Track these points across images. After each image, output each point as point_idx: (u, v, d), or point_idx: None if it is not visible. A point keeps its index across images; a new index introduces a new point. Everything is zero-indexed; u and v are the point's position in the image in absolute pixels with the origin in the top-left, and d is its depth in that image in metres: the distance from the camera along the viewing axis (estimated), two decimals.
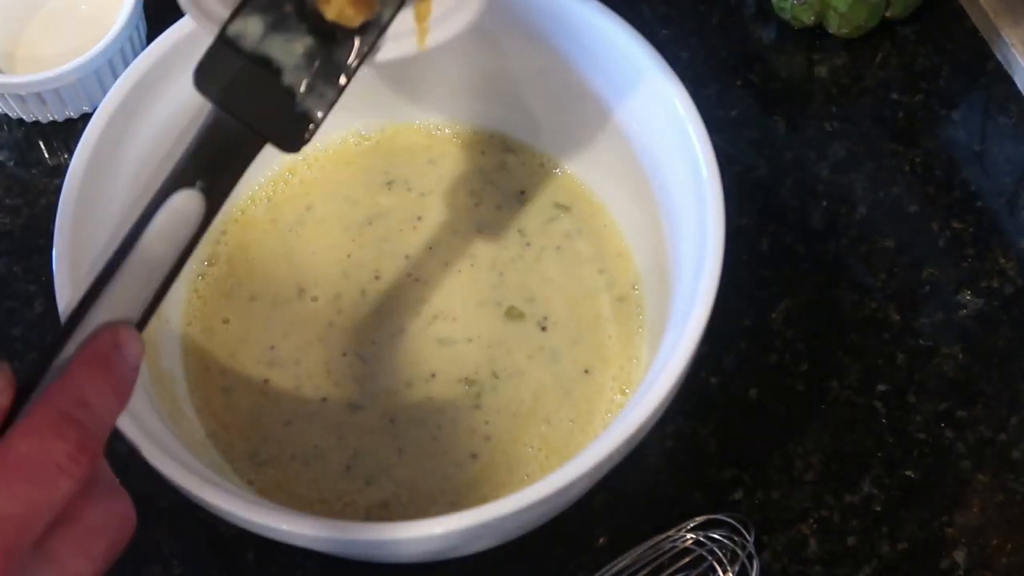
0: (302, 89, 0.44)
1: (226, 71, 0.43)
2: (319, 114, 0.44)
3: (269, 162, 0.64)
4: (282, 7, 0.43)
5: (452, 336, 0.60)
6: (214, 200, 0.41)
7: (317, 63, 0.44)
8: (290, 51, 0.43)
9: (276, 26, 0.43)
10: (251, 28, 0.43)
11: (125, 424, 0.48)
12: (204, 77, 0.43)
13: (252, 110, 0.42)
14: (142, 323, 0.41)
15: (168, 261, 0.41)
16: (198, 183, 0.41)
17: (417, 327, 0.60)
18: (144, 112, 0.57)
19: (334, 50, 0.44)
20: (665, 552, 0.56)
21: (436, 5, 0.48)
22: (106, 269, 0.40)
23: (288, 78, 0.43)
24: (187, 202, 0.40)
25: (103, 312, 0.40)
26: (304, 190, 0.64)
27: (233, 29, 0.43)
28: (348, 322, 0.60)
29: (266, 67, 0.43)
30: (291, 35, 0.43)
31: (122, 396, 0.41)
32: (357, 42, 0.45)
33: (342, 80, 0.44)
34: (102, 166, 0.55)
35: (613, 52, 0.57)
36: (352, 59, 0.45)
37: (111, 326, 0.40)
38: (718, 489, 0.59)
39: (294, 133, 0.44)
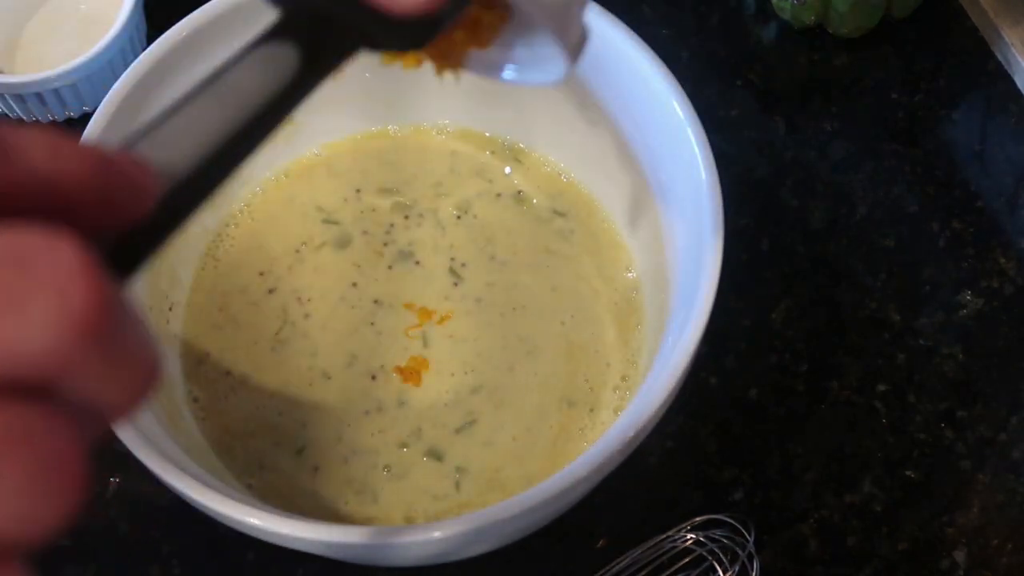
0: None
1: None
2: None
3: (264, 162, 0.64)
4: None
5: (452, 352, 0.60)
6: (309, 69, 0.30)
7: None
8: None
9: None
10: None
11: (123, 428, 0.48)
12: None
13: None
14: (191, 178, 0.29)
15: (246, 111, 0.29)
16: (294, 42, 0.31)
17: (417, 339, 0.60)
18: (144, 112, 0.57)
19: None
20: (665, 552, 0.56)
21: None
22: (175, 103, 0.29)
23: None
24: (282, 54, 0.30)
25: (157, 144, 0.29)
26: (304, 191, 0.64)
27: None
28: (344, 327, 0.60)
29: None
30: None
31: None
32: None
33: None
34: None
35: (611, 54, 0.57)
36: None
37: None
38: (718, 489, 0.59)
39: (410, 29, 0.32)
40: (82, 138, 0.54)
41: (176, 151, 0.28)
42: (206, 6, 0.57)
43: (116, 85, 0.56)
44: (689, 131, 0.54)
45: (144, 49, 0.57)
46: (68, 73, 0.66)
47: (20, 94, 0.67)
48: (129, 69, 0.56)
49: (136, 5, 0.68)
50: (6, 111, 0.70)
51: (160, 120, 0.28)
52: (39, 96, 0.67)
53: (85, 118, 0.69)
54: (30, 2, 0.72)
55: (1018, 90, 0.70)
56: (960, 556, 0.58)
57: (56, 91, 0.67)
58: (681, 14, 0.73)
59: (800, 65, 0.72)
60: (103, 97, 0.55)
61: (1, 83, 0.66)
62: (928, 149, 0.69)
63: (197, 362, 0.60)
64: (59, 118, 0.70)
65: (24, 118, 0.70)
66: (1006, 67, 0.71)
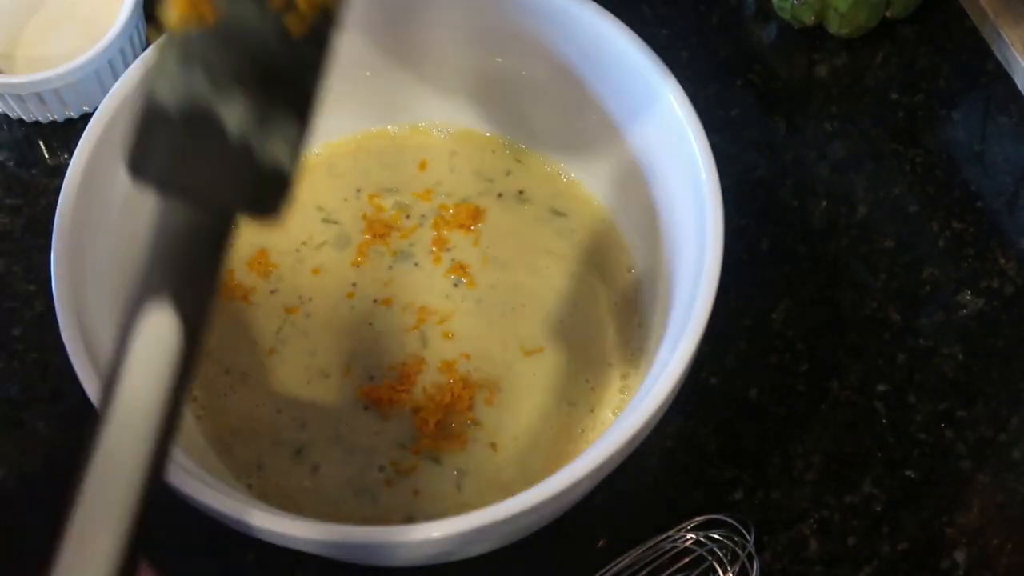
0: (256, 137, 0.32)
1: (160, 145, 0.32)
2: (286, 162, 0.33)
3: None
4: (198, 46, 0.33)
5: (452, 352, 0.60)
6: (191, 317, 0.31)
7: (264, 99, 0.32)
8: (225, 94, 0.33)
9: (206, 72, 0.32)
10: (170, 82, 0.33)
11: None
12: (139, 164, 0.33)
13: (204, 184, 0.32)
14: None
15: (154, 414, 0.30)
16: (166, 293, 0.30)
17: (416, 339, 0.60)
18: None
19: (281, 72, 0.33)
20: (665, 552, 0.56)
21: None
22: (91, 429, 0.31)
23: (234, 128, 0.32)
24: (159, 325, 0.30)
25: (82, 529, 0.30)
26: (304, 191, 0.64)
27: (154, 90, 0.33)
28: (343, 327, 0.60)
29: (205, 124, 0.32)
30: (219, 71, 0.33)
31: None
32: (309, 49, 0.33)
33: (305, 108, 0.34)
34: (102, 166, 0.55)
35: (611, 54, 0.57)
36: (311, 74, 0.34)
37: None
38: (718, 489, 0.59)
39: (266, 195, 0.33)
40: (82, 138, 0.54)
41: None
42: None
43: (116, 85, 0.56)
44: (689, 131, 0.54)
45: (144, 49, 0.57)
46: (68, 73, 0.66)
47: (20, 94, 0.67)
48: (129, 69, 0.56)
49: (136, 5, 0.68)
50: (6, 111, 0.70)
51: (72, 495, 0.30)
52: (39, 96, 0.67)
53: (85, 118, 0.69)
54: (30, 2, 0.72)
55: (1018, 90, 0.70)
56: (960, 556, 0.58)
57: (56, 91, 0.67)
58: (681, 14, 0.73)
59: (800, 65, 0.72)
60: (103, 97, 0.55)
61: (1, 83, 0.66)
62: (928, 149, 0.69)
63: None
64: (59, 118, 0.70)
65: (24, 118, 0.70)
66: (1006, 67, 0.71)
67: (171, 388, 0.31)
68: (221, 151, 0.32)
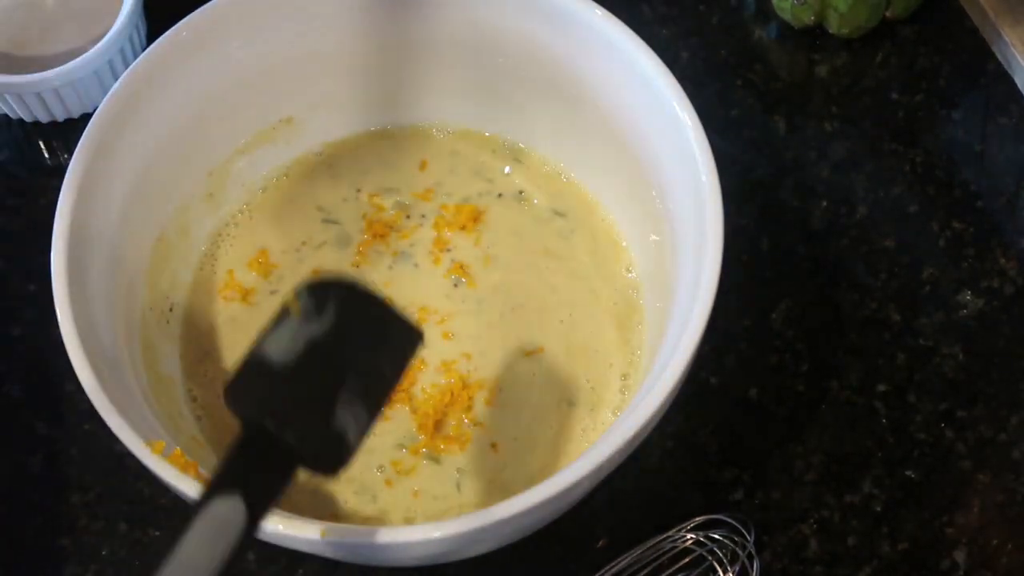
0: (338, 407, 0.40)
1: (258, 388, 0.40)
2: (352, 439, 0.41)
3: (264, 162, 0.64)
4: (314, 323, 0.41)
5: (451, 352, 0.60)
6: (255, 511, 0.38)
7: (356, 392, 0.41)
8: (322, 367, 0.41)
9: (308, 342, 0.40)
10: (283, 343, 0.40)
11: (123, 430, 0.48)
12: (235, 395, 0.40)
13: (287, 429, 0.39)
14: None
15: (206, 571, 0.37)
16: (239, 491, 0.38)
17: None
18: (144, 113, 0.57)
19: (371, 379, 0.42)
20: (665, 552, 0.56)
21: None
22: None
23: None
24: (228, 511, 0.38)
25: None
26: (304, 191, 0.64)
27: (266, 346, 0.40)
28: None
29: (299, 382, 0.40)
30: (323, 351, 0.41)
31: None
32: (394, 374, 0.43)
33: (376, 408, 0.42)
34: (102, 166, 0.55)
35: (611, 54, 0.57)
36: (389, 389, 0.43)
37: None
38: (718, 489, 0.59)
39: (330, 456, 0.40)
40: (82, 138, 0.54)
41: None
42: (206, 6, 0.58)
43: (116, 85, 0.56)
44: (689, 131, 0.54)
45: (144, 49, 0.57)
46: (68, 73, 0.66)
47: (20, 94, 0.67)
48: (129, 69, 0.56)
49: (136, 5, 0.68)
50: (6, 111, 0.70)
51: None
52: (39, 96, 0.67)
53: (85, 118, 0.69)
54: (30, 2, 0.72)
55: (1018, 90, 0.70)
56: (960, 556, 0.58)
57: (56, 91, 0.67)
58: (681, 14, 0.73)
59: (800, 65, 0.72)
60: (103, 97, 0.55)
61: (1, 83, 0.66)
62: (928, 149, 0.68)
63: (197, 361, 0.60)
64: (59, 118, 0.70)
65: (24, 118, 0.70)
66: (1006, 67, 0.71)
67: (224, 560, 0.37)
68: (306, 412, 0.40)
